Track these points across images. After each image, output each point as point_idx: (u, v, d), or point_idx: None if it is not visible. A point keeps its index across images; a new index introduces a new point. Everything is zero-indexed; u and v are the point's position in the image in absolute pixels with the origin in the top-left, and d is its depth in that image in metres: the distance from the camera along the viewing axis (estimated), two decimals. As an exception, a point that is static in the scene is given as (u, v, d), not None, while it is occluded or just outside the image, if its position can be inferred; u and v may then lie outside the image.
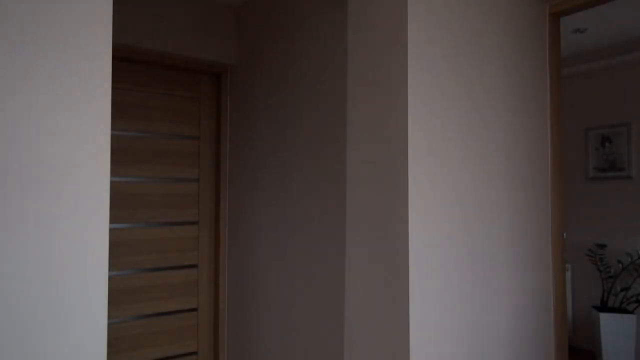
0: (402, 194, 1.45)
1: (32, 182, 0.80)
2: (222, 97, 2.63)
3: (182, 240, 2.53)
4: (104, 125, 0.89)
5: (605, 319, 3.37)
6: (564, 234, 2.00)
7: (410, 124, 1.45)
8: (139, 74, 2.42)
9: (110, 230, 2.29)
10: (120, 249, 2.33)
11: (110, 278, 2.27)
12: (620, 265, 3.52)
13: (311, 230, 1.93)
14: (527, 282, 1.85)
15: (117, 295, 2.30)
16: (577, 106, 3.97)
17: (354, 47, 1.69)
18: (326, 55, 1.88)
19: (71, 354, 0.82)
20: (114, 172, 2.32)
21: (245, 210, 2.44)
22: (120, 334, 2.32)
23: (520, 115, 1.87)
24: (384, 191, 1.53)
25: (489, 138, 1.73)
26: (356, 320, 1.62)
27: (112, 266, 2.27)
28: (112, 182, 2.32)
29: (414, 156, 1.46)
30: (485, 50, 1.73)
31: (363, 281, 1.60)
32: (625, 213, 3.64)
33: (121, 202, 2.35)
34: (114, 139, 2.34)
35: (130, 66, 2.39)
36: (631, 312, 3.39)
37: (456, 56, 1.62)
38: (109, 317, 2.26)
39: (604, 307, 3.50)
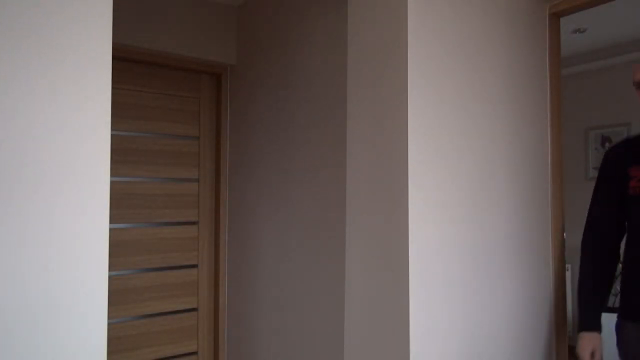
0: (402, 194, 1.45)
1: (32, 183, 0.80)
2: (222, 97, 2.63)
3: (182, 240, 2.53)
4: (104, 125, 0.89)
5: (605, 318, 3.36)
6: (564, 234, 2.01)
7: (410, 124, 1.45)
8: (139, 74, 2.42)
9: (110, 230, 2.29)
10: (120, 249, 2.33)
11: (110, 278, 2.27)
12: (620, 265, 3.51)
13: (311, 230, 1.93)
14: (527, 282, 1.85)
15: (117, 295, 2.30)
16: (577, 106, 3.96)
17: (354, 47, 1.69)
18: (327, 54, 1.88)
19: (72, 353, 0.82)
20: (114, 172, 2.32)
21: (246, 210, 2.44)
22: (120, 334, 2.32)
23: (520, 116, 1.86)
24: (383, 192, 1.53)
25: (488, 138, 1.73)
26: (356, 321, 1.62)
27: (112, 266, 2.27)
28: (112, 182, 2.32)
29: (413, 157, 1.46)
30: (485, 51, 1.73)
31: (363, 281, 1.60)
32: (625, 213, 3.63)
33: (121, 202, 2.35)
34: (114, 139, 2.34)
35: (130, 66, 2.39)
36: (631, 312, 3.38)
37: (456, 56, 1.62)
38: (109, 317, 2.26)
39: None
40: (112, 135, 2.32)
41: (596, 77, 3.84)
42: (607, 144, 3.78)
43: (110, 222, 2.29)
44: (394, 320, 1.46)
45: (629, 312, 1.63)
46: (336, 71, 1.82)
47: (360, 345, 1.59)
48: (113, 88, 2.33)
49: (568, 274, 3.84)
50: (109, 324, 2.28)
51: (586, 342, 1.62)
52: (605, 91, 3.79)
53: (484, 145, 1.71)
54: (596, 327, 1.66)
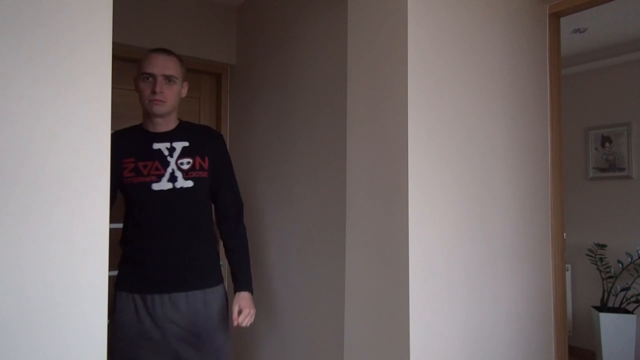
0: (402, 196, 1.45)
1: (32, 183, 0.80)
2: (222, 97, 2.63)
3: (182, 240, 2.52)
4: (104, 125, 0.89)
5: (605, 319, 3.37)
6: (564, 234, 2.01)
7: (410, 123, 1.46)
8: (139, 74, 2.42)
9: (111, 230, 2.29)
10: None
11: (110, 278, 2.26)
12: (620, 265, 3.52)
13: (311, 230, 1.93)
14: (527, 282, 1.85)
15: (117, 295, 2.29)
16: (577, 106, 3.97)
17: (354, 46, 1.69)
18: (326, 54, 1.88)
19: (72, 353, 0.82)
20: (114, 172, 2.31)
21: (245, 210, 2.44)
22: (120, 334, 2.31)
23: (521, 116, 1.86)
24: (384, 193, 1.53)
25: (488, 138, 1.73)
26: (356, 322, 1.62)
27: (112, 266, 2.27)
28: (112, 182, 2.31)
29: (413, 157, 1.46)
30: (485, 51, 1.73)
31: (363, 282, 1.60)
32: (625, 213, 3.64)
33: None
34: (114, 139, 2.33)
35: (130, 66, 2.39)
36: (631, 312, 3.39)
37: (456, 56, 1.62)
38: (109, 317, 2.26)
39: (604, 307, 3.50)
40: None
41: (596, 77, 3.84)
42: (607, 144, 3.78)
43: (110, 222, 2.29)
44: (394, 320, 1.46)
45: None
46: (336, 70, 1.81)
47: (360, 345, 1.59)
48: (113, 88, 2.33)
49: (568, 274, 3.85)
50: (109, 324, 2.28)
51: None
52: (605, 91, 3.79)
53: (484, 145, 1.71)
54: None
